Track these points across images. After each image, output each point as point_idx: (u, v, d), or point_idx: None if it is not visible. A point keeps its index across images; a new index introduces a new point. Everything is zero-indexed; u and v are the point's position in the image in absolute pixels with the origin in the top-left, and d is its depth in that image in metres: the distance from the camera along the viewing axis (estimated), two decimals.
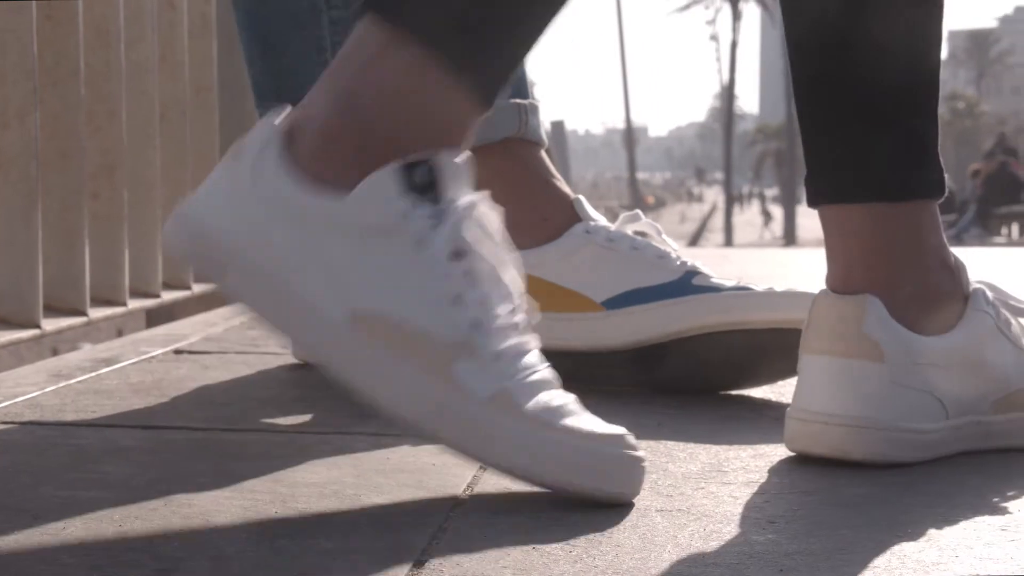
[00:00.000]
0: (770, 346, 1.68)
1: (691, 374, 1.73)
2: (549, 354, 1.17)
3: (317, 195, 1.10)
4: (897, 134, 1.36)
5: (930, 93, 1.39)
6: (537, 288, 1.68)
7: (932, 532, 1.10)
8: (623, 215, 1.99)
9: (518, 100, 2.03)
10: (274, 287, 1.13)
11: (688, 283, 1.76)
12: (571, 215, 1.81)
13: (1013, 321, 1.44)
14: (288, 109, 1.18)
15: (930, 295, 1.35)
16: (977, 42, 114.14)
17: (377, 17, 1.16)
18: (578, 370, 1.55)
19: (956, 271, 1.41)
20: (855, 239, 1.35)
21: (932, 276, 1.37)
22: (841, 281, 1.35)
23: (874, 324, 1.27)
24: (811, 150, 1.38)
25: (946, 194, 1.41)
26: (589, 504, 1.14)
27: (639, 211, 2.15)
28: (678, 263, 1.79)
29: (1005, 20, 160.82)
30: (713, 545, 1.05)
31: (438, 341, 1.10)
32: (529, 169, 1.94)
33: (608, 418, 1.18)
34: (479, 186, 1.25)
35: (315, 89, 1.18)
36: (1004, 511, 1.17)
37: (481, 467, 1.30)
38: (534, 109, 1.94)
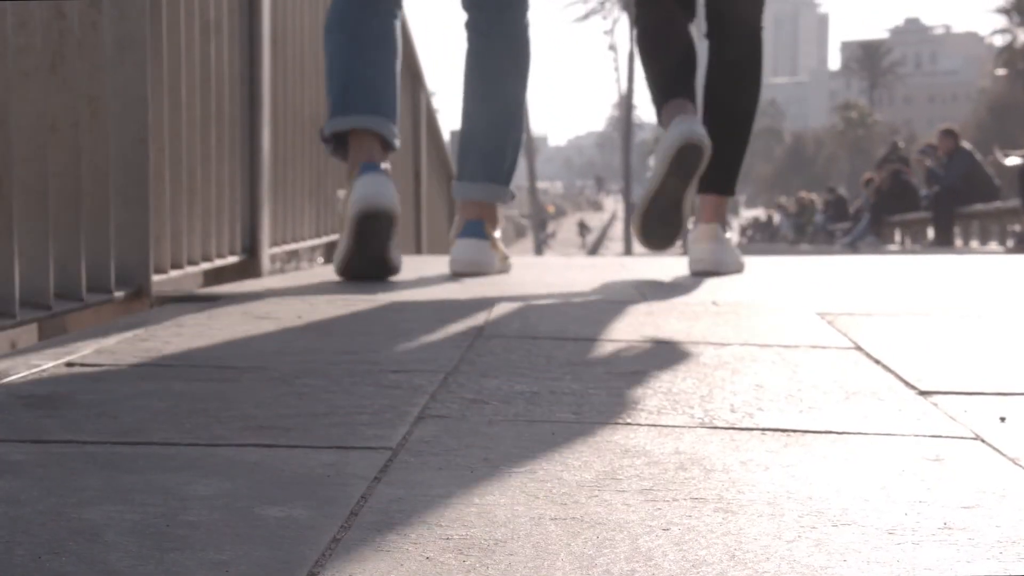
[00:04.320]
0: None
1: None
2: None
3: None
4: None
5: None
6: None
7: (820, 537, 1.11)
8: None
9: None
10: None
11: None
12: None
13: None
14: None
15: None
16: (869, 53, 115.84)
17: None
18: None
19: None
20: (715, 207, 3.78)
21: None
22: (708, 218, 3.75)
23: (723, 233, 3.81)
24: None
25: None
26: (485, 512, 1.15)
27: None
28: None
29: (896, 31, 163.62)
30: (607, 553, 1.06)
31: None
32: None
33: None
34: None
35: None
36: (890, 516, 1.19)
37: (376, 478, 1.30)
38: None
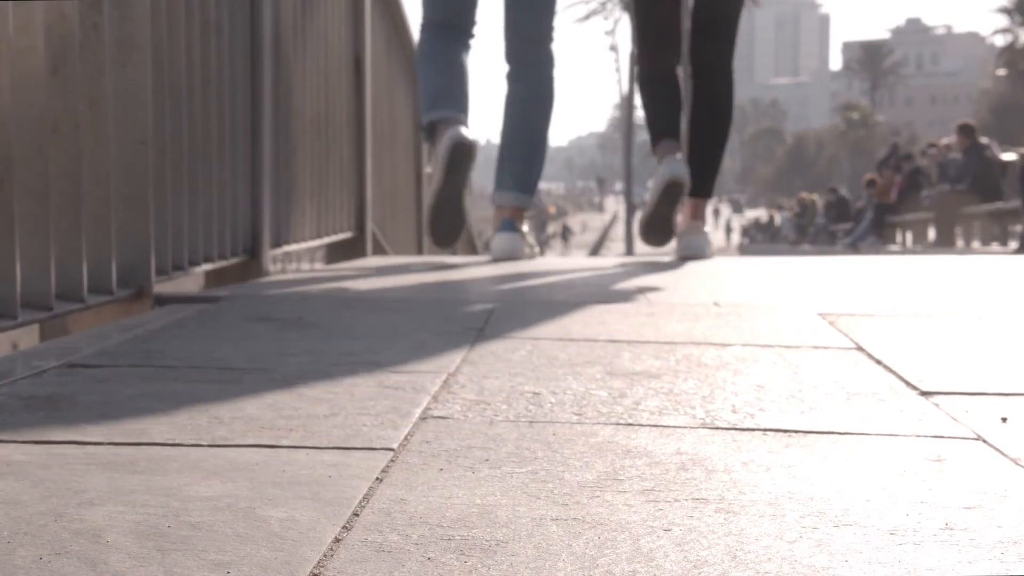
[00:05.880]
0: None
1: None
2: None
3: None
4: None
5: None
6: None
7: (822, 538, 1.11)
8: None
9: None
10: None
11: None
12: None
13: None
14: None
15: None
16: (870, 53, 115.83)
17: None
18: None
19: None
20: (698, 207, 4.98)
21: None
22: (693, 216, 4.95)
23: (703, 227, 5.03)
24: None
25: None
26: (487, 513, 1.15)
27: None
28: None
29: (897, 32, 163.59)
30: (608, 553, 1.06)
31: None
32: None
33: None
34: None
35: None
36: (892, 517, 1.19)
37: (378, 479, 1.30)
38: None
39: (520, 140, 5.03)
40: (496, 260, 4.81)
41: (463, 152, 4.66)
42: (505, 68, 5.05)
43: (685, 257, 4.85)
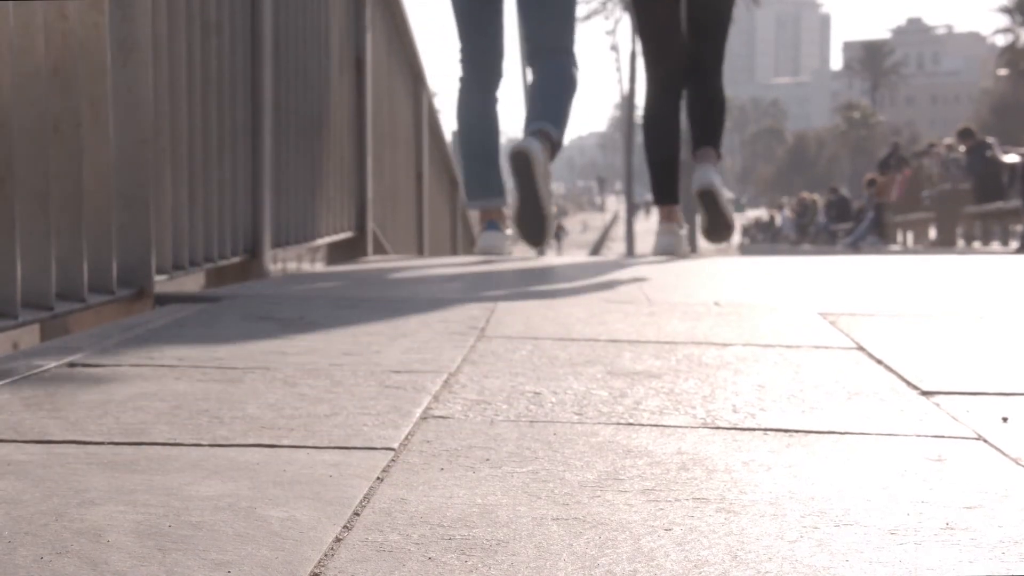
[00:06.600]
0: None
1: None
2: None
3: None
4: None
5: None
6: None
7: (822, 537, 1.11)
8: None
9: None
10: None
11: None
12: None
13: None
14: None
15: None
16: (871, 53, 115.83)
17: None
18: None
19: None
20: (705, 154, 5.20)
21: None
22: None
23: (716, 163, 5.32)
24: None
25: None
26: (489, 512, 1.15)
27: None
28: None
29: (899, 31, 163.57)
30: (609, 553, 1.06)
31: None
32: None
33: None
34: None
35: None
36: (892, 517, 1.19)
37: (378, 478, 1.30)
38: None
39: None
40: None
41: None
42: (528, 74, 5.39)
43: (701, 190, 5.14)
